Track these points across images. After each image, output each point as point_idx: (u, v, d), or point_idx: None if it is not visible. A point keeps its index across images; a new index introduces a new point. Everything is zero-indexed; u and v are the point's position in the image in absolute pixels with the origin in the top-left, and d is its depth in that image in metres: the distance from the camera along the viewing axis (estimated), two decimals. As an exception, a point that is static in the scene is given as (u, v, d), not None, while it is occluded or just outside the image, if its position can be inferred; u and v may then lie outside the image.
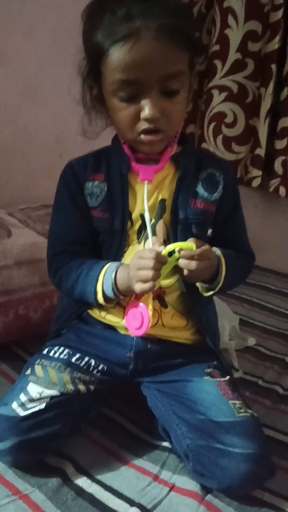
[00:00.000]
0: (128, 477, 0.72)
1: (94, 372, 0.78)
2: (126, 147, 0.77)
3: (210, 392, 0.74)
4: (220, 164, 0.82)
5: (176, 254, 0.70)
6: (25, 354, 1.01)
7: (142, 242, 0.78)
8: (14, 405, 0.70)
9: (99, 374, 0.78)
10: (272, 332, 1.28)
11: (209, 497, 0.70)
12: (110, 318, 0.80)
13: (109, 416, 0.86)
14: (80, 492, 0.69)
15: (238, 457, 0.65)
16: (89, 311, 0.84)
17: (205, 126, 1.74)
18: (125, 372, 0.80)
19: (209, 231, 0.81)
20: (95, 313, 0.83)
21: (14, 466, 0.71)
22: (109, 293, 0.74)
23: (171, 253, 0.70)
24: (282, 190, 1.63)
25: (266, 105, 1.59)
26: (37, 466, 0.72)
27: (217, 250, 0.77)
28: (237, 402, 0.72)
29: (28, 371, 0.75)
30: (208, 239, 0.80)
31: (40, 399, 0.70)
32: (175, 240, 0.76)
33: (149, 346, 0.79)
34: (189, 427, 0.71)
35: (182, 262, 0.69)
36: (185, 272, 0.70)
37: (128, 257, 0.77)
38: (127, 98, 0.69)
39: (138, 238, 0.78)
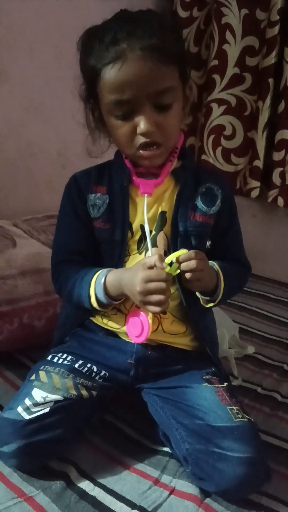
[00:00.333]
0: (129, 481, 0.74)
1: (96, 378, 0.80)
2: (127, 161, 0.80)
3: (208, 398, 0.75)
4: (218, 179, 0.85)
5: (175, 264, 0.73)
6: (29, 362, 1.03)
7: (143, 253, 0.81)
8: (19, 409, 0.72)
9: (101, 380, 0.80)
10: (271, 340, 1.29)
11: (208, 500, 0.71)
12: (112, 324, 0.83)
13: (111, 423, 0.87)
14: (83, 495, 0.70)
15: (235, 461, 0.67)
16: (92, 318, 0.86)
17: (205, 138, 1.76)
18: (126, 378, 0.82)
19: (208, 243, 0.84)
20: (98, 320, 0.85)
21: (19, 469, 0.73)
22: (101, 297, 0.76)
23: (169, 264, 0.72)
24: (280, 201, 1.65)
25: (263, 118, 1.61)
26: (41, 470, 0.73)
27: (214, 265, 0.80)
28: (234, 407, 0.73)
29: (33, 377, 0.77)
30: (207, 251, 0.82)
31: (44, 403, 0.72)
32: (175, 251, 0.78)
33: (149, 352, 0.81)
34: (188, 432, 0.73)
35: (183, 265, 0.72)
36: (188, 275, 0.72)
37: (128, 266, 0.79)
38: (123, 116, 0.72)
39: (138, 248, 0.81)
